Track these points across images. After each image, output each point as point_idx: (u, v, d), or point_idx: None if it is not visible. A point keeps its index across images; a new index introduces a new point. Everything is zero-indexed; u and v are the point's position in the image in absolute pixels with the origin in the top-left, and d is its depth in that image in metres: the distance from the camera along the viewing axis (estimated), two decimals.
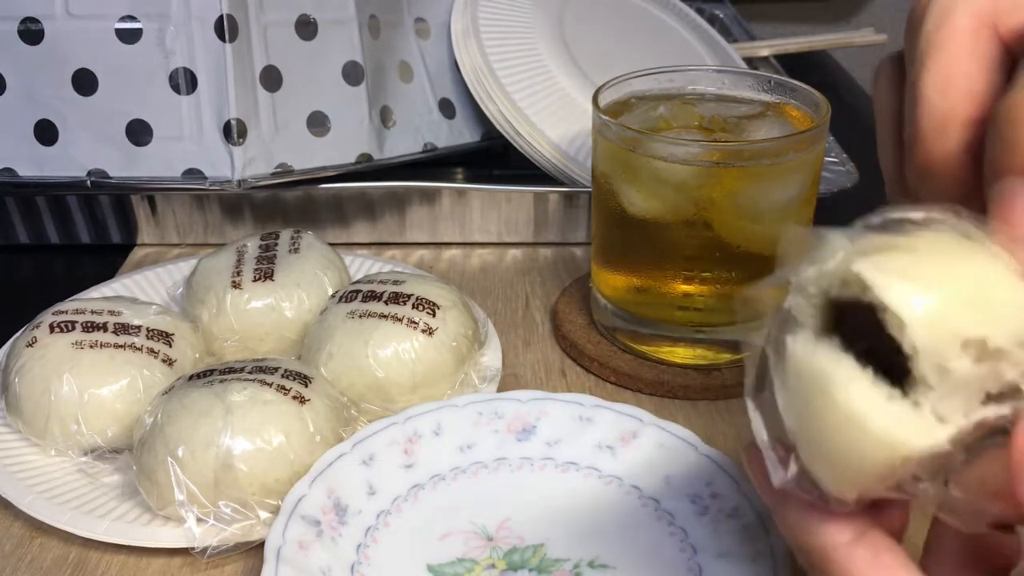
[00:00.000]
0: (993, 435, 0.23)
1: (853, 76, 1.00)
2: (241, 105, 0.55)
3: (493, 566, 0.37)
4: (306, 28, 0.57)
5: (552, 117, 0.60)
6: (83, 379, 0.41)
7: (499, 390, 0.46)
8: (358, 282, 0.48)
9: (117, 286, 0.53)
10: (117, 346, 0.43)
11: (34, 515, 0.39)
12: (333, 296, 0.47)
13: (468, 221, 0.61)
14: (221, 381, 0.40)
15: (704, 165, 0.44)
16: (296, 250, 0.50)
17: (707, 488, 0.39)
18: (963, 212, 0.24)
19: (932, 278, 0.22)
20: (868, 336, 0.23)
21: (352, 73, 0.59)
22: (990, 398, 0.23)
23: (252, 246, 0.51)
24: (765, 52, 0.82)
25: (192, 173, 0.56)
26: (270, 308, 0.47)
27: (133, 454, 0.39)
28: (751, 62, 0.82)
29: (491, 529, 0.38)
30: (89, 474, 0.41)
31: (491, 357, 0.48)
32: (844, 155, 0.63)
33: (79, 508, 0.39)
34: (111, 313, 0.44)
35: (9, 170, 0.56)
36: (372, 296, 0.45)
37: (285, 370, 0.41)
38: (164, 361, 0.43)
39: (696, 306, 0.47)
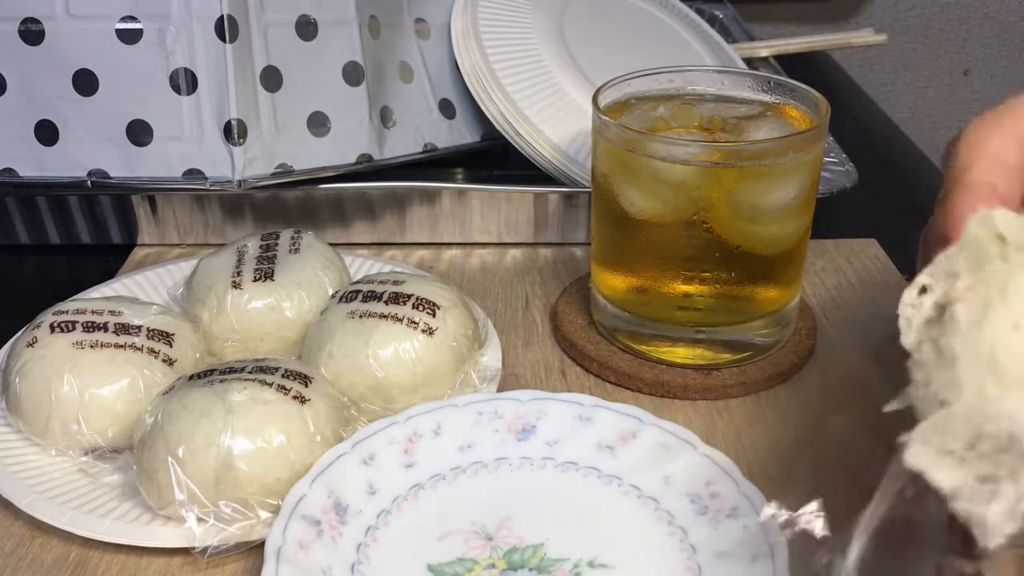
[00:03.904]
0: None
1: (853, 76, 1.01)
2: (241, 105, 0.55)
3: (493, 566, 0.37)
4: (306, 28, 0.57)
5: (552, 117, 0.60)
6: (83, 379, 0.41)
7: (499, 390, 0.46)
8: (358, 282, 0.48)
9: (117, 286, 0.54)
10: (117, 346, 0.43)
11: (35, 515, 0.39)
12: (333, 296, 0.47)
13: (468, 221, 0.61)
14: (221, 381, 0.40)
15: (704, 165, 0.44)
16: (296, 250, 0.50)
17: (707, 488, 0.39)
18: None
19: None
20: None
21: (352, 73, 0.59)
22: None
23: (252, 246, 0.51)
24: (764, 53, 0.82)
25: (192, 173, 0.56)
26: (270, 308, 0.47)
27: (133, 454, 0.39)
28: (751, 63, 0.82)
29: (491, 529, 0.38)
30: (89, 474, 0.41)
31: (491, 357, 0.48)
32: (844, 155, 0.63)
33: (80, 508, 0.39)
34: (112, 313, 0.44)
35: (9, 170, 0.56)
36: (372, 296, 0.45)
37: (285, 370, 0.41)
38: (164, 361, 0.43)
39: (696, 306, 0.47)
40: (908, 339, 0.27)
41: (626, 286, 0.49)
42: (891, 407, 0.26)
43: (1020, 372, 0.24)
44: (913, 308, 0.27)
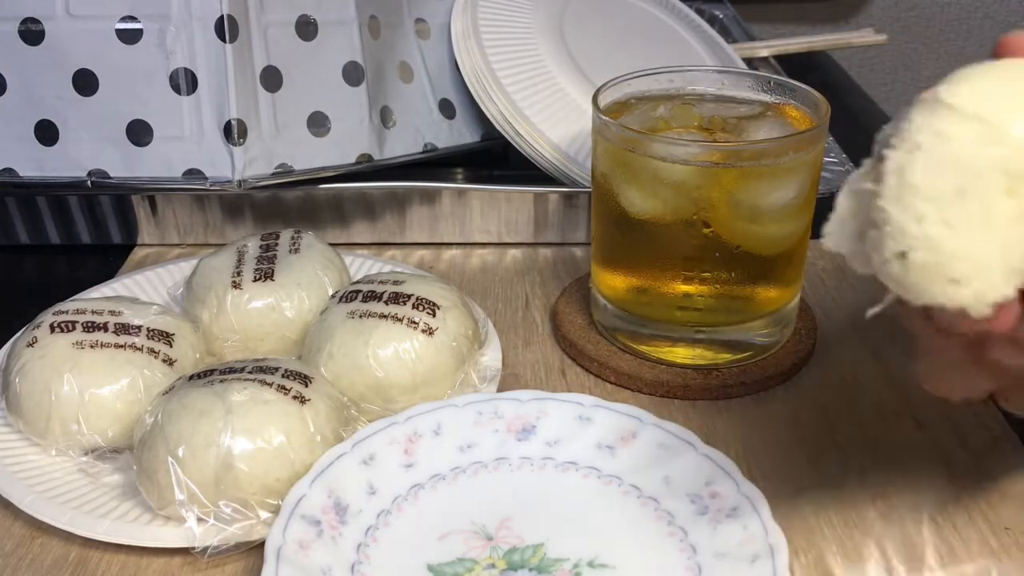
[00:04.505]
0: None
1: (853, 76, 1.01)
2: (241, 105, 0.55)
3: (493, 566, 0.37)
4: (306, 28, 0.57)
5: (552, 117, 0.60)
6: (83, 379, 0.41)
7: (499, 390, 0.46)
8: (358, 282, 0.48)
9: (117, 286, 0.54)
10: (117, 346, 0.43)
11: (35, 515, 0.39)
12: (333, 296, 0.47)
13: (468, 221, 0.61)
14: (221, 381, 0.40)
15: (704, 165, 0.44)
16: (296, 250, 0.50)
17: (706, 488, 0.39)
18: None
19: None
20: None
21: (352, 73, 0.59)
22: None
23: (252, 246, 0.51)
24: (765, 53, 0.82)
25: (192, 173, 0.56)
26: (270, 308, 0.47)
27: (134, 454, 0.39)
28: (751, 63, 0.82)
29: (491, 529, 0.38)
30: (89, 474, 0.41)
31: (491, 357, 0.48)
32: (844, 155, 0.63)
33: (80, 508, 0.39)
34: (112, 313, 0.44)
35: (10, 170, 0.56)
36: (372, 296, 0.45)
37: (285, 370, 0.41)
38: (164, 361, 0.43)
39: (696, 306, 0.47)
40: (843, 246, 0.29)
41: (626, 286, 0.49)
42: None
43: (937, 184, 0.25)
44: (835, 233, 0.29)
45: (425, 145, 0.62)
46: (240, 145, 0.55)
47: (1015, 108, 0.25)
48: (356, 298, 0.46)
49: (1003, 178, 0.24)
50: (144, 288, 0.54)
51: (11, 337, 0.47)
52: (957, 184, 0.25)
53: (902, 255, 0.25)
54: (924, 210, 0.25)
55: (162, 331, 0.44)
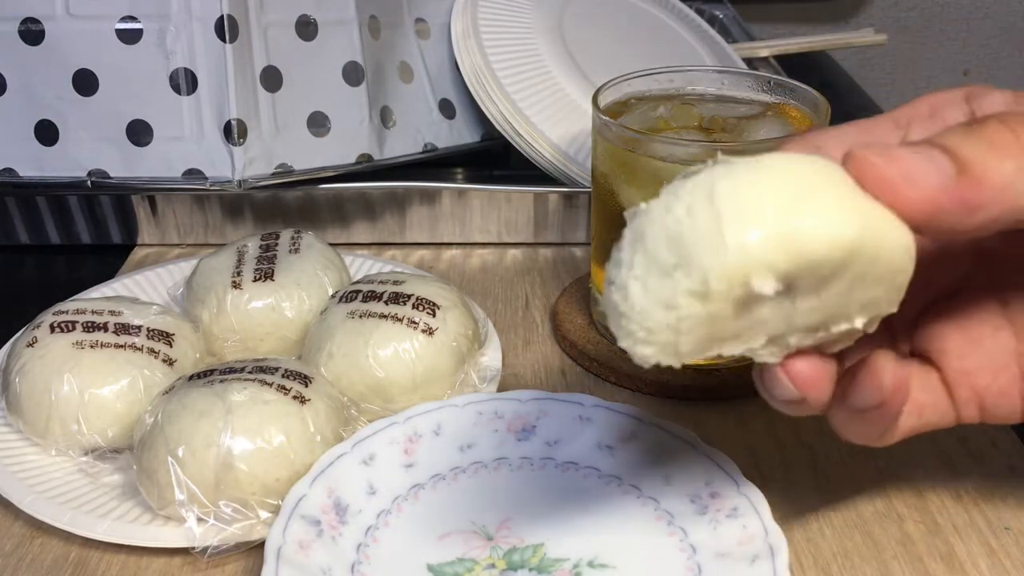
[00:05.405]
0: None
1: (853, 76, 1.01)
2: (241, 105, 0.55)
3: (493, 566, 0.37)
4: (306, 28, 0.57)
5: (552, 117, 0.60)
6: (83, 379, 0.41)
7: (499, 390, 0.46)
8: (358, 282, 0.48)
9: (117, 286, 0.54)
10: (117, 346, 0.43)
11: (34, 515, 0.39)
12: (333, 296, 0.47)
13: (468, 221, 0.61)
14: (221, 381, 0.40)
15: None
16: (296, 250, 0.50)
17: (706, 488, 0.39)
18: None
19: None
20: None
21: (352, 73, 0.59)
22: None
23: (252, 246, 0.51)
24: (764, 52, 0.82)
25: (192, 173, 0.56)
26: (270, 308, 0.47)
27: (133, 454, 0.39)
28: (751, 62, 0.82)
29: (491, 529, 0.38)
30: (89, 474, 0.41)
31: (491, 357, 0.48)
32: None
33: (79, 508, 0.39)
34: (112, 313, 0.44)
35: (9, 170, 0.56)
36: (372, 296, 0.45)
37: (285, 370, 0.41)
38: (164, 361, 0.43)
39: None
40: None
41: None
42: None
43: (657, 249, 0.26)
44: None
45: (425, 145, 0.63)
46: (240, 145, 0.55)
47: (746, 221, 0.25)
48: (356, 298, 0.46)
49: (699, 284, 0.25)
50: (144, 288, 0.54)
51: (11, 337, 0.47)
52: (669, 260, 0.26)
53: (608, 284, 0.27)
54: (636, 262, 0.26)
55: (162, 331, 0.44)
